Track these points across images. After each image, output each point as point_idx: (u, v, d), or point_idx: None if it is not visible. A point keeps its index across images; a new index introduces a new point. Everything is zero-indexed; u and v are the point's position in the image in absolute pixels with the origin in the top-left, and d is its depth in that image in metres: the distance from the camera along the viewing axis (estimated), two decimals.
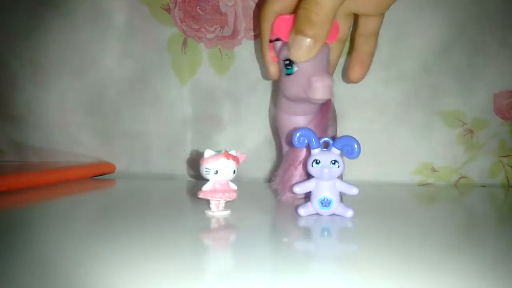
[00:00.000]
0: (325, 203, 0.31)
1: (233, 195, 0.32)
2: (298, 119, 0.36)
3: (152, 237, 0.26)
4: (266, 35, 0.36)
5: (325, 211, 0.31)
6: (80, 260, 0.22)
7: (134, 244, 0.25)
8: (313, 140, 0.30)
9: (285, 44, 0.33)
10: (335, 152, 0.30)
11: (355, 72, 0.39)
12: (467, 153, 0.47)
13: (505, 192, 0.45)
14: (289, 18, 0.33)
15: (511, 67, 0.45)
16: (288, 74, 0.33)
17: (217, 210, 0.32)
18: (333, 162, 0.30)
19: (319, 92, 0.31)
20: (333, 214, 0.32)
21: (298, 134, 0.31)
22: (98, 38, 0.49)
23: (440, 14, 0.45)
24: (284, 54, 0.33)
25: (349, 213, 0.31)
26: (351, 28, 0.39)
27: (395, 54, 0.46)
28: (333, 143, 0.31)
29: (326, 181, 0.31)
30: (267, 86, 0.48)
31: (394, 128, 0.47)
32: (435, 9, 0.45)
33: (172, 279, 0.19)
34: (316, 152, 0.31)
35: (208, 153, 0.31)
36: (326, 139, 0.31)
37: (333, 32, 0.34)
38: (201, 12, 0.47)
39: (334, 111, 0.40)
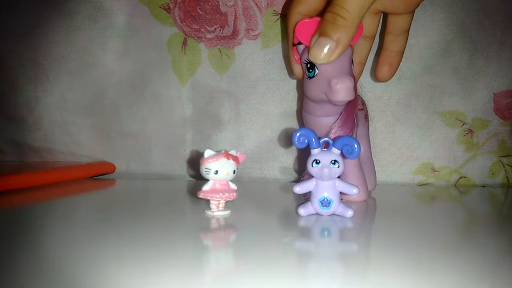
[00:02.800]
0: (325, 203, 0.31)
1: (233, 195, 0.32)
2: (325, 120, 0.36)
3: (152, 237, 0.26)
4: (291, 37, 0.36)
5: (325, 211, 0.31)
6: (79, 260, 0.22)
7: (134, 244, 0.25)
8: (313, 140, 0.30)
9: (307, 47, 0.34)
10: (335, 152, 0.30)
11: (383, 71, 0.40)
12: (467, 153, 0.47)
13: (505, 192, 0.45)
14: (310, 22, 0.33)
15: (511, 67, 0.45)
16: (310, 77, 0.33)
17: (217, 210, 0.32)
18: (333, 162, 0.30)
19: (340, 94, 0.32)
20: (333, 214, 0.32)
21: (298, 134, 0.31)
22: (98, 38, 0.49)
23: (440, 14, 0.45)
24: (306, 57, 0.33)
25: (349, 213, 0.31)
26: (379, 26, 0.39)
27: None
28: (333, 143, 0.31)
29: (326, 181, 0.31)
30: (267, 86, 0.48)
31: (394, 128, 0.47)
32: (436, 9, 0.44)
33: (172, 279, 0.19)
34: (316, 152, 0.31)
35: (208, 153, 0.31)
36: (326, 139, 0.31)
37: (356, 33, 0.35)
38: (201, 12, 0.47)
39: (365, 110, 0.41)
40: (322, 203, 0.31)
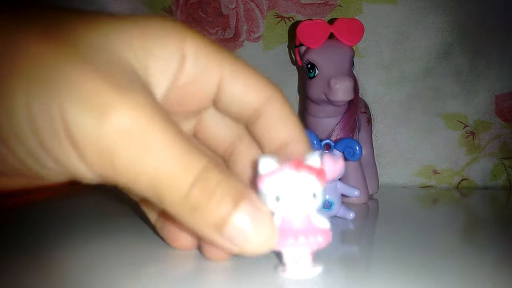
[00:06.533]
0: (326, 205, 0.31)
1: (321, 240, 0.18)
2: (326, 121, 0.36)
3: (155, 238, 0.26)
4: None
5: (326, 213, 0.31)
6: (80, 261, 0.22)
7: (137, 246, 0.25)
8: (315, 142, 0.31)
9: (308, 48, 0.34)
10: (336, 154, 0.30)
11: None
12: (468, 155, 0.47)
13: (507, 194, 0.45)
14: (311, 23, 0.34)
15: None
16: (311, 78, 0.34)
17: (297, 267, 0.19)
18: None
19: (339, 94, 0.32)
20: (335, 216, 0.31)
21: None
22: None
23: (441, 17, 0.45)
24: (306, 57, 0.34)
25: (351, 215, 0.31)
26: None
27: (397, 56, 0.46)
28: (334, 145, 0.31)
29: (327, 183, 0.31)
30: None
31: (396, 130, 0.47)
32: (437, 11, 0.45)
33: (175, 283, 0.19)
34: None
35: (266, 163, 0.17)
36: (327, 141, 0.31)
37: (356, 32, 0.34)
38: (202, 15, 0.47)
39: (368, 113, 0.41)
40: (323, 205, 0.31)
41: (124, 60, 0.16)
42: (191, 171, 0.15)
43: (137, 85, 0.16)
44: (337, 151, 0.30)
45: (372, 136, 0.42)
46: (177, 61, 0.17)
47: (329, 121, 0.36)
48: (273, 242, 0.17)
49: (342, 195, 0.31)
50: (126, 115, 0.15)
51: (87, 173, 0.16)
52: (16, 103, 0.14)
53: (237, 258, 0.21)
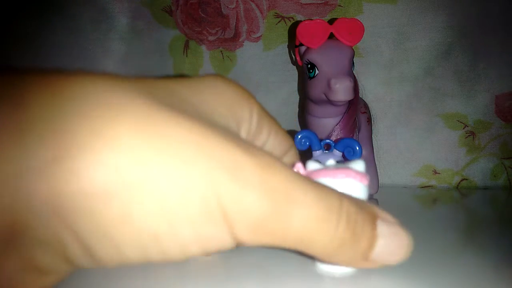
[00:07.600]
0: None
1: None
2: (326, 121, 0.36)
3: None
4: None
5: None
6: None
7: None
8: (315, 142, 0.31)
9: (308, 48, 0.34)
10: (336, 154, 0.30)
11: None
12: (468, 155, 0.47)
13: (507, 194, 0.45)
14: (311, 23, 0.34)
15: None
16: (311, 78, 0.34)
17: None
18: None
19: (339, 94, 0.32)
20: None
21: (299, 136, 0.31)
22: (100, 40, 0.49)
23: (441, 16, 0.45)
24: (306, 57, 0.34)
25: None
26: None
27: (397, 56, 0.46)
28: (334, 145, 0.31)
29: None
30: (268, 88, 0.48)
31: (396, 130, 0.47)
32: (437, 11, 0.45)
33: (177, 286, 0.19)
34: (317, 154, 0.31)
35: (316, 168, 0.18)
36: (327, 141, 0.31)
37: (356, 32, 0.34)
38: (203, 15, 0.47)
39: (368, 113, 0.41)
40: None
41: (225, 125, 0.17)
42: (333, 209, 0.16)
43: (257, 148, 0.16)
44: (337, 151, 0.30)
45: (372, 136, 0.42)
46: (250, 123, 0.19)
47: (329, 121, 0.36)
48: (411, 245, 0.18)
49: None
50: (271, 180, 0.15)
51: (227, 243, 0.16)
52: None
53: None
